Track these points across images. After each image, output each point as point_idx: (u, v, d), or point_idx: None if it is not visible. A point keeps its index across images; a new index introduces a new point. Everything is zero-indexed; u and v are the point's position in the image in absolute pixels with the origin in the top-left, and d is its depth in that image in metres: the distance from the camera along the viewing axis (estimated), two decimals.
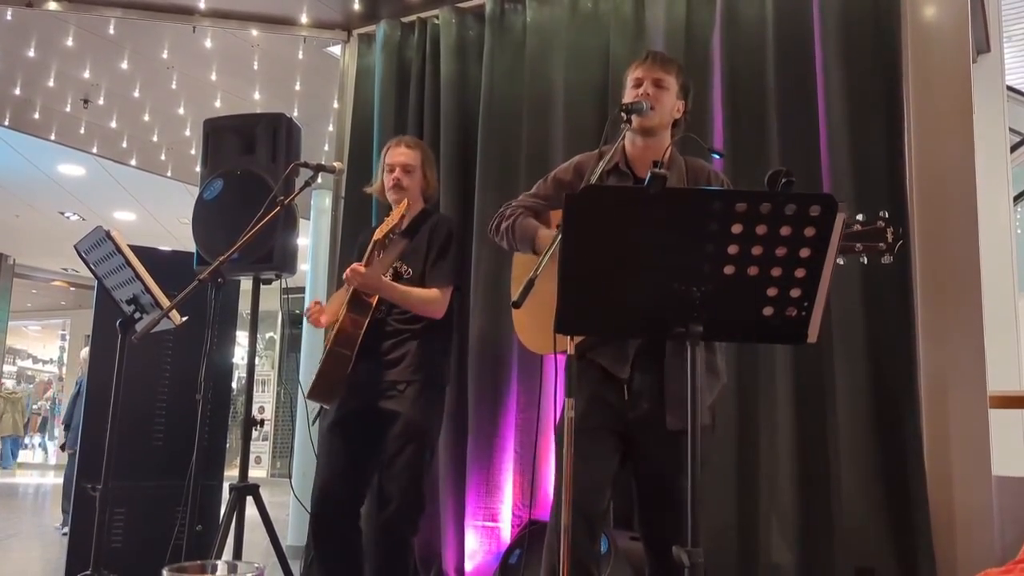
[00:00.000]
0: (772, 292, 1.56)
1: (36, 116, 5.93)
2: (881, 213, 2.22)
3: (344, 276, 2.75)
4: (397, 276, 2.89)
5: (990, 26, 4.37)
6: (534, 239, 2.39)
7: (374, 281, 2.73)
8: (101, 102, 5.66)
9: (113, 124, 6.05)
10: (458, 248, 2.99)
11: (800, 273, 1.54)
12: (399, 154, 2.99)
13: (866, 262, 2.22)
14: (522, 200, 2.53)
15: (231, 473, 3.72)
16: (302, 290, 6.58)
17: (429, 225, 2.96)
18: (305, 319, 3.00)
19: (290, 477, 6.68)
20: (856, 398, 2.93)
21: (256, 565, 2.12)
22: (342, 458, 2.86)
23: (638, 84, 2.33)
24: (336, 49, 4.61)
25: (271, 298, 3.97)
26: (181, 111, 5.78)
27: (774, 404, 3.05)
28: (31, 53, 4.94)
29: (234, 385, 5.12)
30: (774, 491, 3.01)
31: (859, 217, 2.22)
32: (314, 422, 3.15)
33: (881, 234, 2.19)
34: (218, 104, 5.50)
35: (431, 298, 2.85)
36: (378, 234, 2.70)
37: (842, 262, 2.26)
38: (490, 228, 2.56)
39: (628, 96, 2.35)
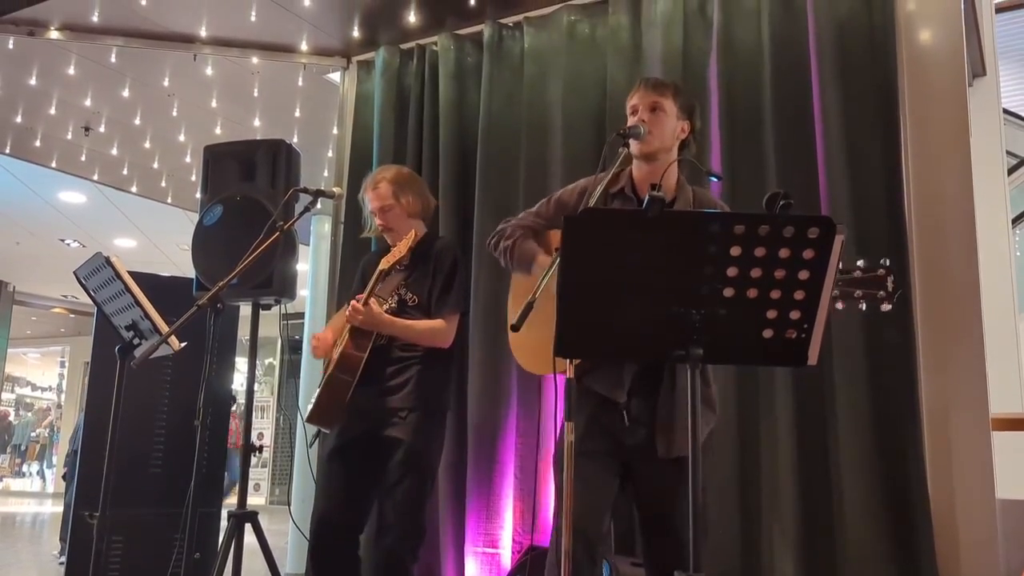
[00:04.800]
0: (772, 314, 1.56)
1: (37, 144, 5.94)
2: (882, 261, 2.22)
3: (346, 315, 2.77)
4: (402, 303, 2.89)
5: (985, 49, 4.41)
6: (532, 264, 2.41)
7: (375, 319, 2.75)
8: (102, 130, 5.68)
9: (114, 151, 6.07)
10: (463, 275, 2.99)
11: (799, 295, 1.54)
12: (371, 200, 2.99)
13: (864, 308, 2.22)
14: (523, 218, 2.55)
15: (230, 500, 3.70)
16: (302, 316, 6.56)
17: (433, 251, 2.96)
18: (306, 347, 3.01)
19: (289, 504, 6.64)
20: (857, 421, 2.92)
21: None
22: (342, 485, 2.85)
23: (634, 111, 2.35)
24: (336, 76, 4.64)
25: (270, 324, 3.96)
26: (182, 138, 5.80)
27: (775, 428, 3.03)
28: (33, 81, 4.97)
29: (233, 411, 5.09)
30: (777, 515, 2.98)
31: (860, 263, 2.21)
32: (312, 444, 3.14)
33: (881, 282, 2.19)
34: (218, 131, 5.52)
35: (436, 329, 2.86)
36: (384, 263, 2.71)
37: (841, 307, 2.25)
38: (488, 242, 2.59)
39: (628, 124, 2.36)
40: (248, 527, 3.02)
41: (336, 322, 3.06)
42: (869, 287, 2.18)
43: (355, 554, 2.85)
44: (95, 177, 6.63)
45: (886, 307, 2.19)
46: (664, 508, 2.13)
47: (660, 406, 2.13)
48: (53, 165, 6.35)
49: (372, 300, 2.74)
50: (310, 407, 2.84)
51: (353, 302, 2.75)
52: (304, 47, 4.43)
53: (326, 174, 5.86)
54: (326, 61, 4.51)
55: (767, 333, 1.58)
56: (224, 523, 3.12)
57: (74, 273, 2.86)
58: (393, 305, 2.86)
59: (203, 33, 4.36)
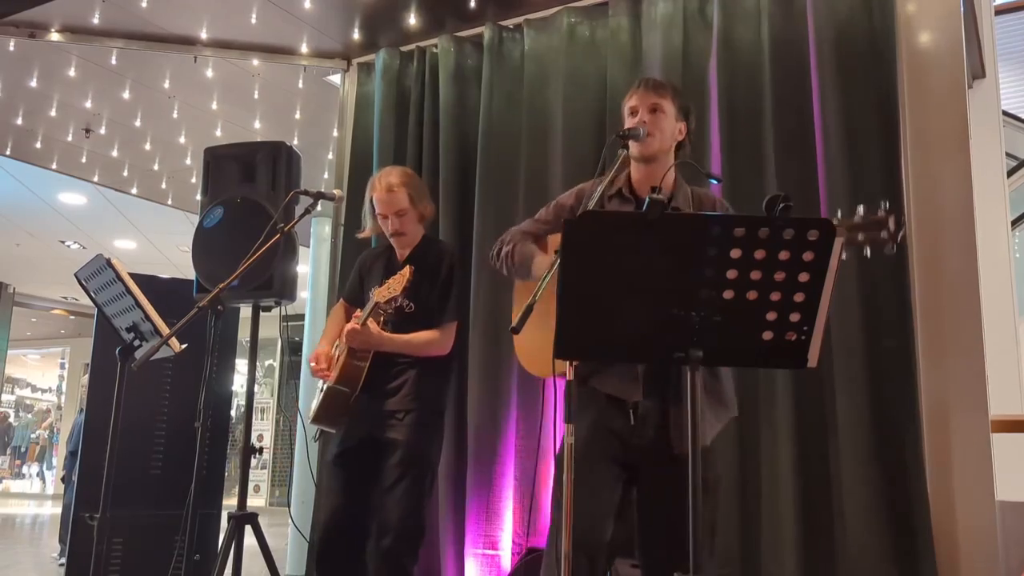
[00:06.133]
0: (771, 316, 1.56)
1: (38, 145, 5.95)
2: (882, 203, 2.18)
3: (342, 335, 2.80)
4: (399, 311, 2.89)
5: (985, 52, 4.41)
6: (530, 266, 2.38)
7: (371, 340, 2.77)
8: (103, 131, 5.69)
9: (114, 153, 6.08)
10: (460, 281, 2.99)
11: (799, 297, 1.54)
12: (386, 202, 2.91)
13: (869, 254, 2.18)
14: (523, 226, 2.53)
15: (230, 502, 3.70)
16: (302, 317, 6.56)
17: (430, 258, 2.96)
18: (307, 351, 3.02)
19: (289, 505, 6.64)
20: (857, 423, 2.91)
21: None
22: (346, 492, 2.85)
23: (634, 112, 2.33)
24: (336, 78, 4.65)
25: (271, 326, 3.97)
26: (182, 140, 5.81)
27: (775, 429, 3.03)
28: (33, 83, 4.98)
29: (233, 413, 5.10)
30: (776, 517, 2.98)
31: (860, 209, 2.18)
32: (316, 438, 3.15)
33: (883, 224, 2.13)
34: (219, 133, 5.53)
35: (433, 340, 2.87)
36: (379, 297, 2.72)
37: (844, 256, 2.21)
38: (491, 255, 2.55)
39: (626, 125, 2.35)
40: (248, 528, 3.03)
41: (330, 329, 3.06)
42: (871, 229, 2.12)
43: (362, 560, 2.83)
44: (95, 179, 6.64)
45: (890, 249, 2.14)
46: (666, 509, 2.11)
47: (672, 402, 2.12)
48: (53, 167, 6.36)
49: (369, 321, 2.75)
50: (313, 409, 2.85)
51: (348, 325, 2.78)
52: (304, 49, 4.44)
53: (326, 176, 5.87)
54: (326, 63, 4.52)
55: (767, 335, 1.58)
56: (224, 524, 3.12)
57: (75, 275, 2.87)
58: (390, 312, 2.85)
59: (203, 35, 4.36)
